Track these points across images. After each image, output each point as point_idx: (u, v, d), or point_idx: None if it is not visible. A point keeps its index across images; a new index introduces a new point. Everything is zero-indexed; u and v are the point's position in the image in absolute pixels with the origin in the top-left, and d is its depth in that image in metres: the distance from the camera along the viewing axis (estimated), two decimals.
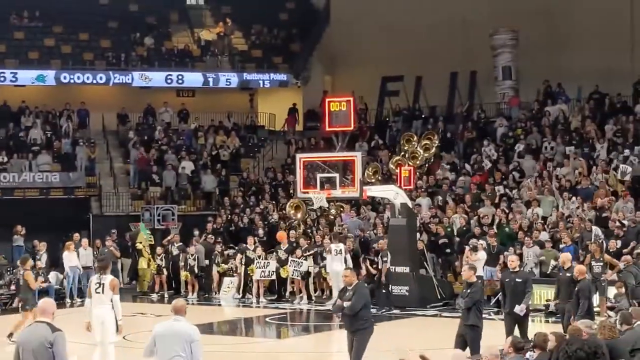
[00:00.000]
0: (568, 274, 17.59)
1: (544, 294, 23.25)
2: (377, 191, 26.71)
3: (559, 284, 18.43)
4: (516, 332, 16.28)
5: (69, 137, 38.23)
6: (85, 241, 29.26)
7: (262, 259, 27.57)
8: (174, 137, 39.69)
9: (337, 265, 25.55)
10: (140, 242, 30.34)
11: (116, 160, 38.95)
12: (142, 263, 30.13)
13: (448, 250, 27.54)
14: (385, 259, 25.44)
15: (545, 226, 26.77)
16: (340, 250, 26.07)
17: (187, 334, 10.81)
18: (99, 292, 15.71)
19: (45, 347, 9.79)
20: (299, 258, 27.18)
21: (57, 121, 39.27)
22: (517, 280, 16.94)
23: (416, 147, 27.85)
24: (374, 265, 26.47)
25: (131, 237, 31.85)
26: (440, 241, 27.25)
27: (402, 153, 28.10)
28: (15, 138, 37.79)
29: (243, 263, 28.01)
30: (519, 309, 16.62)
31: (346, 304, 14.48)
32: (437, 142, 29.75)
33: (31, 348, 9.86)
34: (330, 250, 26.35)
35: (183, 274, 29.13)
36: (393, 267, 25.44)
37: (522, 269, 22.19)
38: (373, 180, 27.21)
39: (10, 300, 26.55)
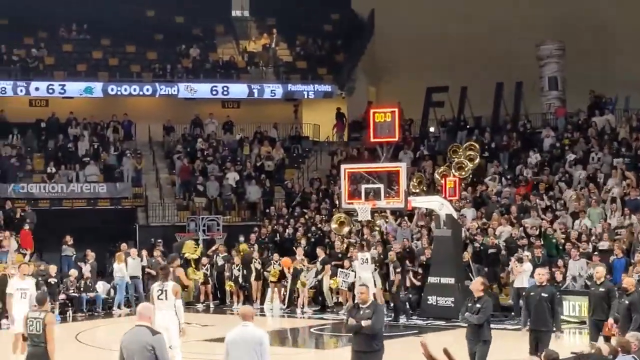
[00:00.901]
0: (602, 289, 16.79)
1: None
2: (421, 202, 26.65)
3: (591, 299, 17.37)
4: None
5: (116, 149, 38.57)
6: (133, 251, 29.47)
7: (308, 270, 27.64)
8: (219, 148, 39.92)
9: (365, 274, 25.46)
10: (189, 253, 30.51)
11: (162, 171, 39.23)
12: (191, 273, 30.25)
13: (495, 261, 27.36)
14: (398, 269, 25.28)
15: (591, 238, 26.52)
16: (367, 259, 25.98)
17: (257, 338, 10.96)
18: (161, 299, 15.97)
19: (146, 350, 10.12)
20: (347, 269, 27.18)
21: (104, 132, 39.65)
22: (542, 294, 15.75)
23: (462, 158, 27.77)
24: (418, 277, 26.43)
25: (177, 247, 32.01)
26: (490, 251, 27.03)
27: (448, 164, 28.00)
28: (64, 149, 38.20)
29: (290, 273, 28.01)
30: (556, 337, 15.69)
31: (364, 322, 13.25)
32: (480, 152, 29.64)
33: (133, 350, 10.22)
34: (357, 259, 26.28)
35: (228, 284, 29.23)
36: (438, 279, 25.37)
37: (565, 281, 21.99)
38: (417, 191, 27.16)
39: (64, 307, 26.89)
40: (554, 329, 15.83)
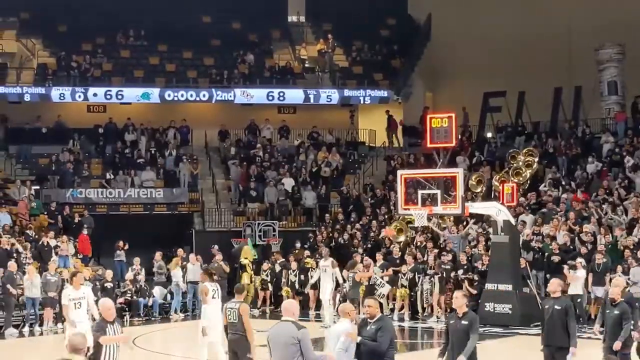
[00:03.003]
0: (617, 312, 14.67)
1: None
2: (479, 208, 26.39)
3: (606, 320, 15.06)
4: None
5: (173, 154, 38.78)
6: (192, 256, 29.57)
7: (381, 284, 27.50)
8: (274, 154, 39.96)
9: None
10: (246, 258, 30.55)
11: (218, 176, 39.36)
12: (245, 278, 30.28)
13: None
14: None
15: None
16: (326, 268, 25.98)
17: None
18: (215, 298, 16.76)
19: (293, 343, 10.61)
20: (404, 275, 27.05)
21: (161, 138, 39.89)
22: (555, 307, 13.98)
23: (520, 164, 27.49)
24: (475, 284, 26.21)
25: (234, 253, 32.10)
26: (553, 258, 26.65)
27: (506, 169, 27.72)
28: (121, 155, 38.51)
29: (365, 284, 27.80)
30: (571, 354, 13.71)
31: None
32: (537, 159, 29.33)
33: (279, 343, 10.78)
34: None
35: (285, 290, 29.20)
36: (495, 285, 25.13)
37: (627, 289, 21.46)
38: (478, 190, 26.94)
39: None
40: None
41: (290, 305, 11.18)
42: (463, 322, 12.61)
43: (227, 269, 29.79)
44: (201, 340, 16.78)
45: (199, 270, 28.80)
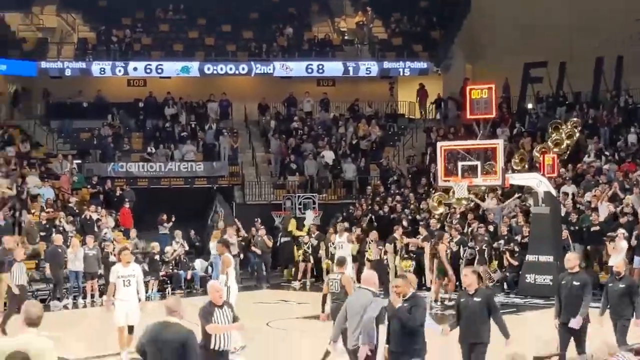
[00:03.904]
0: (621, 285, 14.23)
1: None
2: (519, 179, 26.25)
3: (607, 296, 14.54)
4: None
5: (213, 128, 38.90)
6: (231, 229, 29.71)
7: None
8: (314, 126, 39.96)
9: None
10: (291, 231, 30.60)
11: (258, 149, 39.42)
12: (296, 251, 30.41)
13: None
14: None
15: None
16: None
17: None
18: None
19: (365, 310, 11.46)
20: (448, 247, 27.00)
21: (201, 112, 40.01)
22: (574, 283, 13.71)
23: (562, 135, 27.28)
24: (515, 255, 26.10)
25: (283, 224, 32.19)
26: (593, 229, 26.48)
27: (547, 140, 27.52)
28: (161, 129, 38.69)
29: (393, 252, 27.79)
30: (575, 323, 13.54)
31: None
32: (579, 128, 29.07)
33: (355, 309, 11.66)
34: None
35: (325, 262, 29.24)
36: (536, 257, 25.02)
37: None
38: (519, 168, 26.79)
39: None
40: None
41: (370, 276, 11.96)
42: (475, 299, 12.32)
43: (270, 244, 29.88)
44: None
45: (236, 243, 29.07)
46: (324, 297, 14.58)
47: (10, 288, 19.85)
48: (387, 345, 11.55)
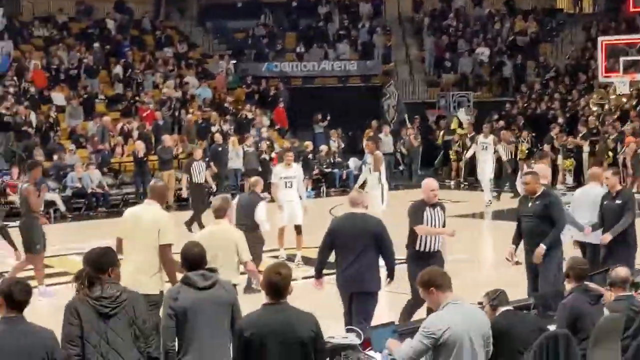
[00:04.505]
0: (618, 201, 12.13)
1: None
2: None
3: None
4: None
5: (366, 26, 38.59)
6: (386, 128, 29.76)
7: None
8: (469, 23, 39.19)
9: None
10: (454, 129, 30.38)
11: (411, 47, 38.99)
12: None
13: None
14: None
15: None
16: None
17: None
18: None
19: None
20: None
21: (353, 10, 39.70)
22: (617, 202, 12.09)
23: None
24: None
25: (447, 122, 31.99)
26: None
27: None
28: (314, 28, 38.64)
29: (550, 151, 27.16)
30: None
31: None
32: None
33: None
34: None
35: (463, 161, 28.96)
36: None
37: None
38: None
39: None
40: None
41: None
42: (617, 201, 11.82)
43: (416, 143, 29.72)
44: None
45: (391, 142, 29.09)
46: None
47: (194, 184, 19.99)
48: (513, 246, 11.29)
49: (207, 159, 23.55)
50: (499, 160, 24.61)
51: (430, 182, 10.91)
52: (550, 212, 10.89)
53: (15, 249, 13.50)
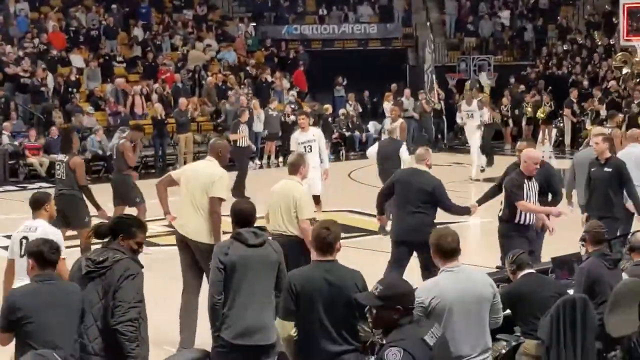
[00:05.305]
0: (608, 169, 11.51)
1: None
2: None
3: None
4: None
5: None
6: (407, 91, 29.69)
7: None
8: None
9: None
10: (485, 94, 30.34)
11: (432, 10, 38.74)
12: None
13: None
14: None
15: None
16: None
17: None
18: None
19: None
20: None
21: None
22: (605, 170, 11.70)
23: None
24: None
25: (472, 83, 31.75)
26: None
27: None
28: None
29: (571, 115, 27.10)
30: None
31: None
32: None
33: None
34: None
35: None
36: None
37: None
38: None
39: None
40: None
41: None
42: (606, 169, 11.50)
43: (428, 109, 29.32)
44: None
45: (412, 105, 29.02)
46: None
47: (239, 147, 19.72)
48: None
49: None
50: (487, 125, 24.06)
51: (533, 154, 10.50)
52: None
53: (99, 209, 12.77)
